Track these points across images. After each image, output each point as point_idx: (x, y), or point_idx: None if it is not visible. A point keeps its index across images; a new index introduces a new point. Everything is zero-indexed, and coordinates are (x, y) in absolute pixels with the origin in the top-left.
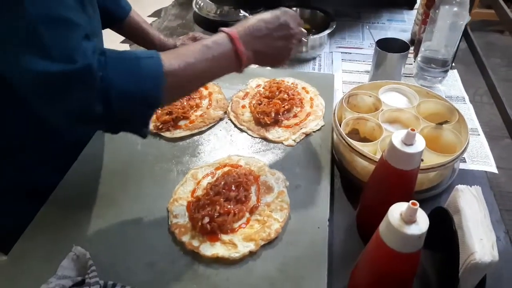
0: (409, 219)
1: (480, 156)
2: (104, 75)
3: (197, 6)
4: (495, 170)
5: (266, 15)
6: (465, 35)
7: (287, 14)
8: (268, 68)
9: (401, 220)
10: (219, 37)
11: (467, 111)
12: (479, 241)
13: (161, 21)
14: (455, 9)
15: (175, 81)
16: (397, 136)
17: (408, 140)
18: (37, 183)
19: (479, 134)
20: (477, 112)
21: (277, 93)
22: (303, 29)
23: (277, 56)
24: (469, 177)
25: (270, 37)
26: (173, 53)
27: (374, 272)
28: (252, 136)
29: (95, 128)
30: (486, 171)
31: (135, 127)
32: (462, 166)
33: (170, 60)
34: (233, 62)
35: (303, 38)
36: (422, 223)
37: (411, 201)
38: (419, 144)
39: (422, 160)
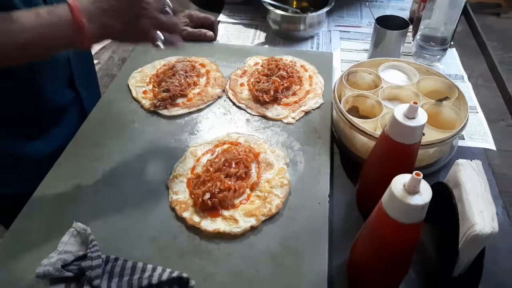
0: (413, 190)
1: (478, 133)
2: None
3: None
4: (493, 147)
5: None
6: (464, 14)
7: None
8: (266, 46)
9: (404, 191)
10: (58, 7)
11: (466, 89)
12: (480, 213)
13: None
14: None
15: None
16: (399, 110)
17: (411, 114)
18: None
19: (477, 112)
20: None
21: (275, 70)
22: (168, 10)
23: (130, 32)
24: (468, 154)
25: (118, 11)
26: (1, 16)
27: (376, 243)
28: (251, 114)
29: None
30: (484, 148)
31: None
32: (460, 143)
33: None
34: (73, 34)
35: (164, 18)
36: (425, 194)
37: (414, 172)
38: (421, 117)
39: (423, 134)
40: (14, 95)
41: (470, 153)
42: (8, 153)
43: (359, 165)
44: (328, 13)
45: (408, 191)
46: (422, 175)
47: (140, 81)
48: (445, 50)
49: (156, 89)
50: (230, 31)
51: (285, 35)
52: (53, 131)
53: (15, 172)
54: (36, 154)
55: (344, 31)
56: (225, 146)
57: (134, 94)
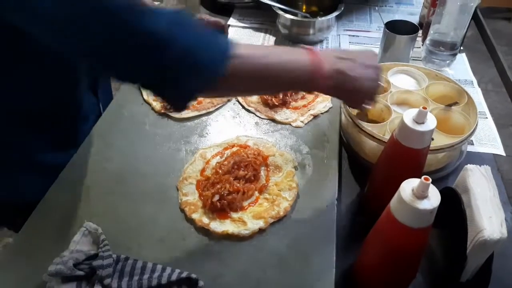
0: (421, 194)
1: (487, 138)
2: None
3: None
4: (503, 153)
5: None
6: (474, 19)
7: (371, 52)
8: None
9: (413, 196)
10: (295, 48)
11: (476, 94)
12: (488, 218)
13: (163, 6)
14: None
15: (240, 65)
16: (408, 115)
17: (420, 118)
18: (46, 161)
19: (487, 117)
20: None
21: None
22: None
23: (360, 84)
24: (477, 159)
25: (354, 62)
26: (245, 44)
27: (384, 248)
28: (260, 117)
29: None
30: (493, 154)
31: (182, 92)
32: (469, 148)
33: (241, 45)
34: (309, 74)
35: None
36: (433, 198)
37: (423, 176)
38: (430, 122)
39: (432, 139)
40: (53, 103)
41: (479, 159)
42: (35, 161)
43: (367, 169)
44: (338, 18)
45: (417, 196)
46: (431, 179)
47: None
48: (454, 55)
49: None
50: (240, 35)
51: (295, 39)
52: (75, 138)
53: (38, 178)
54: (58, 161)
55: (353, 36)
56: (234, 149)
57: (145, 96)
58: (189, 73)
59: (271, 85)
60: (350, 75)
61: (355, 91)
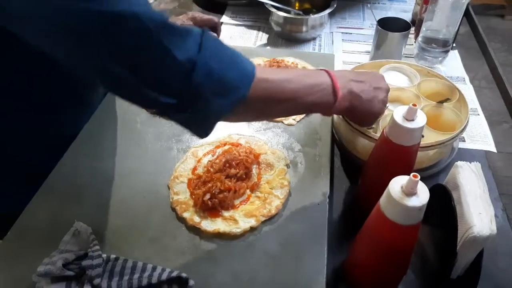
0: (410, 192)
1: (479, 135)
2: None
3: None
4: (494, 150)
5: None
6: (467, 16)
7: (379, 74)
8: (268, 47)
9: (402, 193)
10: (315, 70)
11: (468, 91)
12: (478, 215)
13: (157, 4)
14: None
15: (264, 88)
16: (398, 112)
17: (410, 116)
18: (38, 167)
19: (478, 114)
20: (476, 97)
21: None
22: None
23: (371, 105)
24: (468, 156)
25: (366, 84)
26: (266, 68)
27: (374, 245)
28: None
29: (163, 106)
30: (485, 150)
31: (205, 117)
32: (461, 145)
33: (263, 68)
34: (328, 96)
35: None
36: (422, 195)
37: (412, 174)
38: (420, 119)
39: (422, 136)
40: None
41: (470, 155)
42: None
43: (359, 166)
44: (330, 15)
45: (406, 193)
46: (419, 177)
47: None
48: (447, 52)
49: None
50: (233, 32)
51: (288, 37)
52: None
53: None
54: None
55: (346, 33)
56: (226, 147)
57: None
58: (216, 95)
59: (290, 109)
60: (362, 97)
61: (366, 112)
